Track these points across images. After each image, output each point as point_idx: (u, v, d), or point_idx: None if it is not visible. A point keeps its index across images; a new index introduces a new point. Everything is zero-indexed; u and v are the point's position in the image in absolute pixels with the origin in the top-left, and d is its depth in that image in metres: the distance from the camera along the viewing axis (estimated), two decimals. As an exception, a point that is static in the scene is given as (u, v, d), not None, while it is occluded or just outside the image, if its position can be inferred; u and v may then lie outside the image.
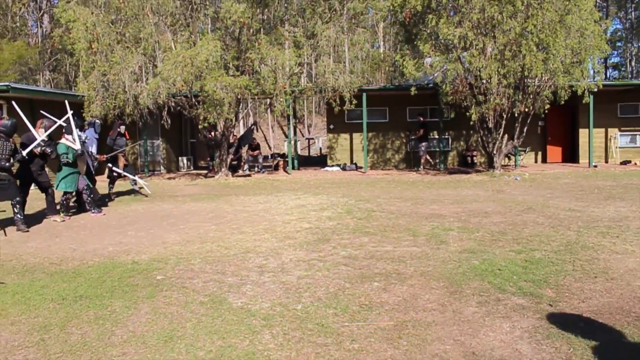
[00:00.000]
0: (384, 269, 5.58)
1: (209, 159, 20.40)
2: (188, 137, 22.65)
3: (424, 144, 19.25)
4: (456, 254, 6.11)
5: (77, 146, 9.80)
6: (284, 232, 7.79)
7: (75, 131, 9.86)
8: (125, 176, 13.00)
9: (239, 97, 15.94)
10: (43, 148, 9.30)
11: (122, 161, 12.69)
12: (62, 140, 9.86)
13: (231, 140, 17.78)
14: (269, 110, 31.52)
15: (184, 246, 7.03)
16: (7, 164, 8.57)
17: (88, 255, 6.68)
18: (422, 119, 19.30)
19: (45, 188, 9.67)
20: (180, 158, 21.60)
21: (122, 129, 12.59)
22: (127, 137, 12.91)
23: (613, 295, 4.63)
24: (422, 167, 19.41)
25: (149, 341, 3.89)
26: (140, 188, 13.26)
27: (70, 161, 9.74)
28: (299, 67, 18.12)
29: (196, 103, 16.49)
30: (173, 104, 16.48)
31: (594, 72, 17.97)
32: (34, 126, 9.57)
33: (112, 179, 12.77)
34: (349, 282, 5.13)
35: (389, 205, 10.25)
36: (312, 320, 4.19)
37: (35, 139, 9.20)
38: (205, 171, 19.57)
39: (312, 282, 5.18)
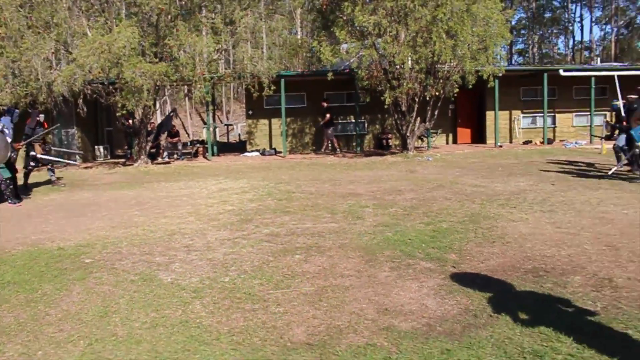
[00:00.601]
0: (305, 243, 5.98)
1: (126, 147, 20.10)
2: (104, 126, 22.17)
3: (331, 128, 19.78)
4: (371, 228, 6.60)
5: None
6: (208, 214, 8.03)
7: None
8: (47, 163, 12.71)
9: (157, 84, 15.85)
10: None
11: (38, 150, 12.40)
12: None
13: (150, 128, 17.63)
14: (187, 98, 31.24)
15: (109, 231, 7.13)
16: None
17: (10, 244, 6.66)
18: (325, 104, 19.77)
19: None
20: (96, 147, 21.12)
21: (42, 117, 12.27)
22: (46, 126, 12.59)
23: (507, 256, 5.24)
24: (324, 149, 19.94)
25: (85, 318, 4.09)
26: (59, 178, 13.01)
27: None
28: (218, 54, 18.17)
29: (113, 90, 16.23)
30: (89, 92, 16.13)
31: (499, 58, 18.95)
32: None
33: (29, 170, 12.45)
34: (272, 256, 5.48)
35: (308, 186, 10.66)
36: (239, 290, 4.51)
37: None
38: (122, 160, 19.28)
39: (237, 257, 5.50)
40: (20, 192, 10.77)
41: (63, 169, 16.65)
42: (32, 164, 12.29)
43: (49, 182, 12.93)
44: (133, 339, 3.66)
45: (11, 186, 10.03)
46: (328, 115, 19.51)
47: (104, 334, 3.76)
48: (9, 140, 10.48)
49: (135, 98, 15.28)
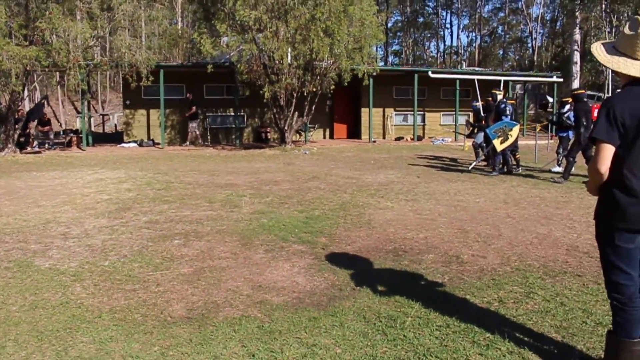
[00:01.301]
0: (183, 229, 6.20)
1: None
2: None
3: (195, 121, 19.87)
4: (248, 215, 6.93)
5: None
6: (84, 203, 7.96)
7: None
8: None
9: (27, 68, 15.09)
10: None
11: None
12: None
13: (18, 115, 16.71)
14: (59, 84, 29.72)
15: (-23, 221, 6.90)
16: None
17: None
18: (190, 96, 19.83)
19: None
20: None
21: None
22: None
23: (372, 239, 5.79)
24: (189, 142, 19.98)
25: (-43, 302, 4.07)
26: None
27: None
28: (94, 41, 17.58)
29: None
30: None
31: (374, 57, 19.93)
32: None
33: None
34: (152, 242, 5.66)
35: (187, 177, 10.78)
36: (119, 273, 4.67)
37: None
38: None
39: (116, 243, 5.62)
40: None
41: None
42: None
43: None
44: (11, 321, 3.73)
45: None
46: (194, 108, 19.54)
47: (-21, 317, 3.80)
48: None
49: (2, 83, 14.47)
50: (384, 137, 23.68)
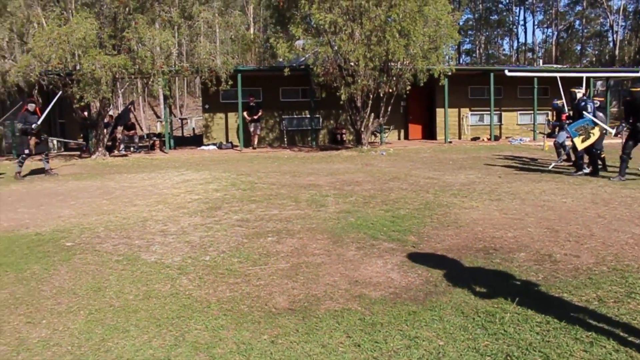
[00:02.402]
0: (275, 227, 6.42)
1: (82, 139, 19.97)
2: (57, 118, 21.90)
3: (258, 123, 20.07)
4: (335, 214, 7.09)
5: None
6: (176, 203, 8.35)
7: None
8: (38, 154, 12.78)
9: (116, 76, 15.91)
10: None
11: (33, 140, 12.36)
12: None
13: (107, 120, 17.64)
14: (142, 91, 31.00)
15: (82, 218, 7.37)
16: None
17: (-16, 230, 6.84)
18: (253, 100, 19.95)
19: None
20: (50, 139, 20.86)
21: (32, 107, 12.26)
22: (39, 114, 12.53)
23: (461, 238, 5.81)
24: (255, 145, 20.16)
25: (79, 292, 4.42)
26: (51, 169, 13.01)
27: None
28: (176, 48, 18.30)
29: (70, 82, 16.18)
30: (45, 83, 16.04)
31: (449, 57, 19.75)
32: None
33: (22, 161, 12.38)
34: (246, 238, 5.90)
35: (269, 178, 11.08)
36: (220, 267, 4.92)
37: None
38: (77, 152, 19.17)
39: (213, 240, 5.89)
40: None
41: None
42: (25, 152, 12.26)
43: (41, 171, 12.90)
44: (130, 309, 4.02)
45: None
46: (260, 112, 19.89)
47: (102, 305, 4.11)
48: None
49: (94, 90, 15.31)
50: (459, 138, 23.40)
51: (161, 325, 3.69)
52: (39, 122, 11.96)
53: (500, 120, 23.91)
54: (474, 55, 59.89)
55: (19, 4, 15.30)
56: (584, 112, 11.10)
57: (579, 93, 11.96)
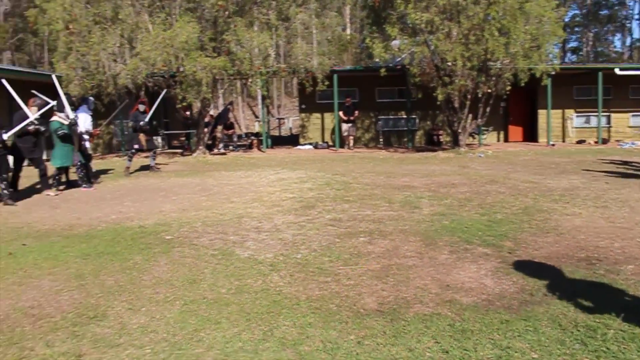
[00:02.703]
0: (367, 227, 6.39)
1: (184, 138, 20.87)
2: (162, 117, 23.03)
3: (352, 124, 19.93)
4: (428, 216, 6.96)
5: (68, 121, 10.27)
6: (271, 200, 8.52)
7: (68, 108, 10.34)
8: (148, 150, 13.54)
9: (216, 77, 16.50)
10: (36, 126, 9.77)
11: (143, 137, 13.13)
12: (54, 118, 10.32)
13: (207, 120, 18.33)
14: (241, 91, 31.98)
15: (181, 213, 7.69)
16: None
17: (94, 222, 7.29)
18: (349, 101, 19.80)
19: (38, 164, 10.15)
20: (154, 137, 21.96)
21: (142, 107, 13.05)
22: (148, 111, 13.26)
23: (561, 246, 5.52)
24: (351, 146, 20.05)
25: (176, 283, 4.61)
26: (156, 164, 13.73)
27: (67, 132, 10.20)
28: (273, 49, 18.72)
29: (173, 83, 16.95)
30: (151, 84, 16.91)
31: (552, 56, 18.87)
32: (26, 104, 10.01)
33: (131, 156, 13.15)
34: (338, 238, 5.92)
35: (364, 178, 11.06)
36: (311, 265, 4.97)
37: (27, 117, 9.66)
38: (180, 150, 20.06)
39: (305, 238, 5.96)
40: (95, 178, 11.54)
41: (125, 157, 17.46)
42: (135, 147, 13.03)
43: (147, 167, 13.66)
44: (222, 302, 4.15)
45: (84, 171, 10.73)
46: (357, 112, 19.84)
47: (196, 297, 4.27)
48: (87, 127, 11.24)
49: (195, 90, 15.96)
50: (563, 141, 22.31)
51: (251, 320, 3.78)
52: (146, 119, 12.66)
53: (609, 122, 22.57)
54: (580, 53, 56.88)
55: (129, 11, 16.21)
56: None
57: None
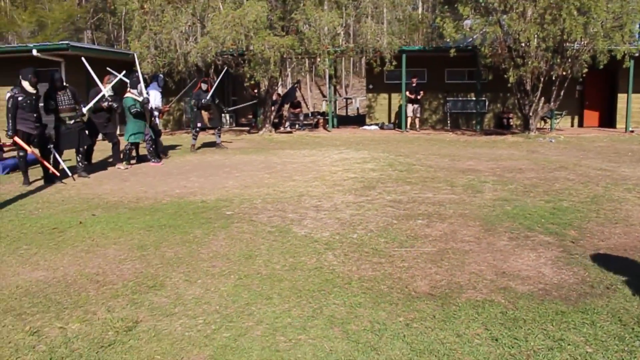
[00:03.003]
0: (426, 210, 6.32)
1: (251, 116, 21.14)
2: (230, 95, 23.41)
3: (416, 105, 19.49)
4: (491, 201, 6.80)
5: (142, 98, 10.61)
6: (332, 180, 8.55)
7: (141, 85, 10.67)
8: (213, 128, 13.97)
9: (284, 56, 16.58)
10: (110, 103, 10.15)
11: (206, 115, 13.48)
12: (127, 95, 10.67)
13: (274, 98, 18.49)
14: (309, 70, 32.07)
15: (243, 190, 7.84)
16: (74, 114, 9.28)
17: (159, 196, 7.55)
18: (415, 81, 19.32)
19: (111, 138, 10.57)
20: (223, 115, 22.39)
21: (204, 86, 13.38)
22: (209, 89, 13.54)
23: (630, 238, 5.27)
24: (417, 127, 19.67)
25: (232, 258, 4.71)
26: (222, 142, 14.05)
27: (139, 110, 10.55)
28: (342, 28, 18.60)
29: (242, 62, 17.16)
30: (220, 62, 17.19)
31: (638, 36, 17.83)
32: (102, 81, 10.40)
33: (195, 134, 13.52)
34: (396, 219, 5.88)
35: (428, 160, 10.90)
36: (366, 245, 4.96)
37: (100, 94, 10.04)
38: (247, 128, 20.36)
39: (363, 218, 5.95)
40: (164, 153, 11.91)
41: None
42: (198, 125, 13.40)
43: (213, 144, 14.01)
44: (275, 278, 4.21)
45: (153, 146, 11.08)
46: (422, 93, 19.41)
47: (250, 272, 4.35)
48: (157, 103, 11.58)
49: (263, 69, 16.10)
50: (643, 127, 21.18)
51: (302, 297, 3.82)
52: (208, 97, 12.89)
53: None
54: (668, 35, 53.70)
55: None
56: None
57: None
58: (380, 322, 3.40)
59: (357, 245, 4.97)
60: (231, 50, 16.64)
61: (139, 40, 16.56)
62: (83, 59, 10.68)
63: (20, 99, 8.45)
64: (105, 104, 10.11)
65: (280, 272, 4.33)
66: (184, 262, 4.62)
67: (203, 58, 16.18)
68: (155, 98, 11.53)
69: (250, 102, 17.78)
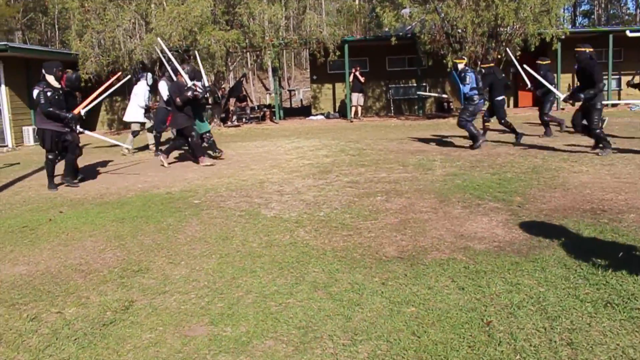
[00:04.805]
0: (383, 188, 6.74)
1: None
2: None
3: (359, 93, 19.87)
4: (441, 177, 7.30)
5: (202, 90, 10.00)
6: (289, 167, 8.88)
7: (205, 78, 10.62)
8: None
9: (230, 50, 16.73)
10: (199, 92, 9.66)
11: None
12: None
13: (221, 93, 18.61)
14: (252, 64, 32.13)
15: (205, 180, 8.07)
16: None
17: (122, 191, 7.66)
18: (357, 69, 19.68)
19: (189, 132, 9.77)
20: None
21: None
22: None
23: (567, 199, 5.84)
24: (359, 115, 19.92)
25: (209, 240, 4.99)
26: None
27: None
28: (284, 21, 18.88)
29: (187, 57, 17.19)
30: (166, 59, 17.15)
31: (562, 20, 18.86)
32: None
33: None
34: (357, 198, 6.28)
35: (377, 145, 11.37)
36: (334, 221, 5.33)
37: (186, 86, 9.53)
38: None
39: (326, 199, 6.32)
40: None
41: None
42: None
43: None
44: (255, 254, 4.53)
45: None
46: (363, 79, 19.84)
47: (230, 251, 4.65)
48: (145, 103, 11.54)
49: (209, 64, 16.21)
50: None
51: (283, 268, 4.16)
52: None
53: (619, 85, 22.59)
54: (592, 17, 56.19)
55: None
56: None
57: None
58: (359, 283, 3.78)
59: (325, 222, 5.33)
60: (176, 46, 16.67)
61: (81, 40, 16.37)
62: (163, 46, 11.02)
63: (49, 94, 7.78)
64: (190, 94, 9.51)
65: (258, 249, 4.64)
66: (164, 248, 4.86)
67: (148, 55, 16.14)
68: (145, 95, 11.62)
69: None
